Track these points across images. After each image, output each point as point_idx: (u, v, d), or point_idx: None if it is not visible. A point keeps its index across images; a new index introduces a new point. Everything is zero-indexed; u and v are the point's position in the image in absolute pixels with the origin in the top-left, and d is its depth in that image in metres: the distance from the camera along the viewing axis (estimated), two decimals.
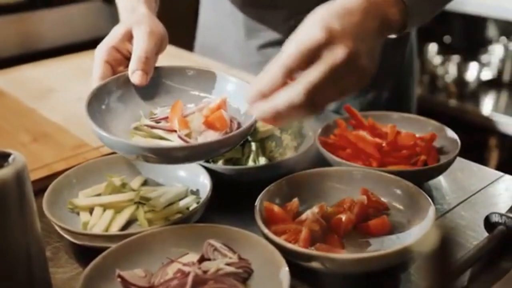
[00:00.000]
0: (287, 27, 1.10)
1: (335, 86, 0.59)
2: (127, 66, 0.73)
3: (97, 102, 0.70)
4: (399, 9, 0.64)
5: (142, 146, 0.63)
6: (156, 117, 0.73)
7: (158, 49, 0.74)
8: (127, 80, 0.73)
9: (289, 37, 0.60)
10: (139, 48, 0.72)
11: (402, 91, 1.21)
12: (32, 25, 1.82)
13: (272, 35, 1.13)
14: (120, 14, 0.83)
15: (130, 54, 0.74)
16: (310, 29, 0.58)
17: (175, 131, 0.69)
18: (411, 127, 0.88)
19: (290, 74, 0.59)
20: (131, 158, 0.65)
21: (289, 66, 0.58)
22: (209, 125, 0.69)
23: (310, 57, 0.58)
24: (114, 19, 0.77)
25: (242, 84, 0.75)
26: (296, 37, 0.59)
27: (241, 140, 0.68)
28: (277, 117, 0.59)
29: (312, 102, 0.58)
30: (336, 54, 0.57)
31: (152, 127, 0.71)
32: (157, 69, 0.75)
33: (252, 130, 0.70)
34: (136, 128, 0.72)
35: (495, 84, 2.27)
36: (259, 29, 1.14)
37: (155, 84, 0.76)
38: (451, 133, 0.84)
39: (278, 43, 1.13)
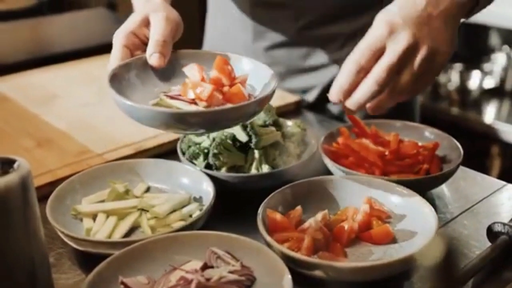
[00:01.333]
0: (295, 27, 1.11)
1: (407, 71, 0.67)
2: (144, 51, 0.75)
3: (117, 79, 0.71)
4: None
5: (166, 111, 0.65)
6: (171, 93, 0.74)
7: (174, 34, 0.77)
8: (145, 63, 0.75)
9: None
10: (156, 32, 0.74)
11: None
12: (38, 31, 1.83)
13: (279, 37, 1.15)
14: (135, 4, 0.85)
15: (147, 39, 0.76)
16: (375, 27, 0.68)
17: (195, 103, 0.70)
18: (413, 136, 0.88)
19: (362, 69, 0.67)
20: (153, 126, 0.67)
21: (359, 61, 0.67)
22: (228, 99, 0.70)
23: (377, 51, 0.66)
24: (118, 25, 0.78)
25: (258, 64, 0.76)
26: (365, 37, 0.68)
27: (259, 108, 0.69)
28: (360, 107, 0.68)
29: (391, 89, 0.67)
30: (398, 41, 0.66)
31: (172, 98, 0.72)
32: (173, 53, 0.77)
33: (269, 101, 0.71)
34: (156, 105, 0.73)
35: (497, 92, 2.27)
36: (267, 31, 1.15)
37: (172, 66, 0.77)
38: (454, 142, 0.84)
39: (285, 45, 1.15)
